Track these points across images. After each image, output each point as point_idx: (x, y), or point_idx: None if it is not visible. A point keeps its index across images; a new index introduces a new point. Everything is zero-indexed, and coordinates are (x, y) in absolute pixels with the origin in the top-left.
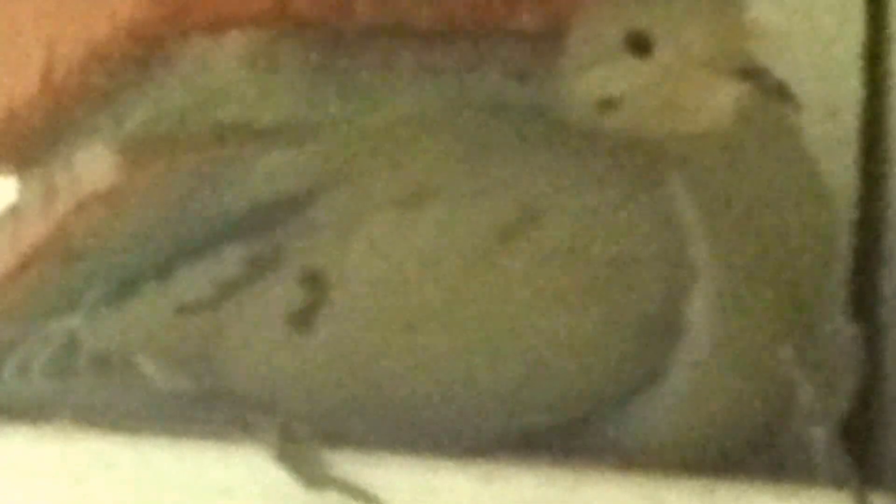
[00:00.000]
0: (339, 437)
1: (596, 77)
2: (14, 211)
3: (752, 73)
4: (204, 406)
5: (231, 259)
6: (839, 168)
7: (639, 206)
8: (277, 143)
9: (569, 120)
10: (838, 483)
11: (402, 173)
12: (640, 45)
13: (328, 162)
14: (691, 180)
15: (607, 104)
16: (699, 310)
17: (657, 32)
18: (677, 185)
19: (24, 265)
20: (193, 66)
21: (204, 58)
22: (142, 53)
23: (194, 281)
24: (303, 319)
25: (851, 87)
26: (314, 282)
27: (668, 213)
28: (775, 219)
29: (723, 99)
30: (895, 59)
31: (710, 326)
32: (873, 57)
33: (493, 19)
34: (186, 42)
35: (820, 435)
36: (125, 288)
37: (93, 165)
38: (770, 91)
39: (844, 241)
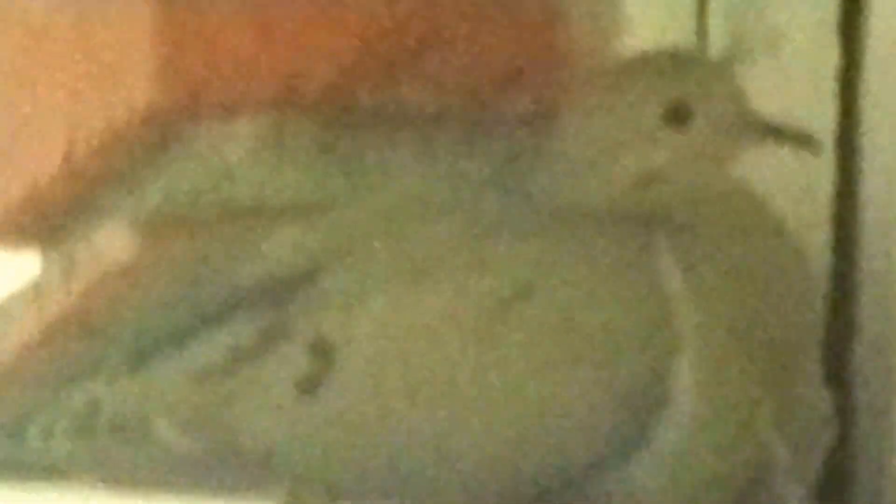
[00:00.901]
0: (344, 496)
1: (636, 151)
2: (37, 286)
3: (774, 129)
4: (217, 466)
5: (243, 329)
6: (814, 243)
7: (627, 281)
8: (286, 221)
9: (574, 197)
10: None
11: (403, 250)
12: (679, 116)
13: (334, 239)
14: (680, 250)
15: (649, 179)
16: (683, 379)
17: (694, 102)
18: (666, 256)
19: (46, 336)
20: (206, 148)
21: (216, 141)
22: (157, 137)
23: (208, 349)
24: (310, 385)
25: (825, 166)
26: (321, 350)
27: (655, 286)
28: (756, 291)
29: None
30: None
31: (693, 395)
32: (845, 146)
33: (489, 103)
34: (199, 126)
35: (795, 494)
36: (143, 356)
37: (112, 242)
38: (792, 140)
39: (819, 312)
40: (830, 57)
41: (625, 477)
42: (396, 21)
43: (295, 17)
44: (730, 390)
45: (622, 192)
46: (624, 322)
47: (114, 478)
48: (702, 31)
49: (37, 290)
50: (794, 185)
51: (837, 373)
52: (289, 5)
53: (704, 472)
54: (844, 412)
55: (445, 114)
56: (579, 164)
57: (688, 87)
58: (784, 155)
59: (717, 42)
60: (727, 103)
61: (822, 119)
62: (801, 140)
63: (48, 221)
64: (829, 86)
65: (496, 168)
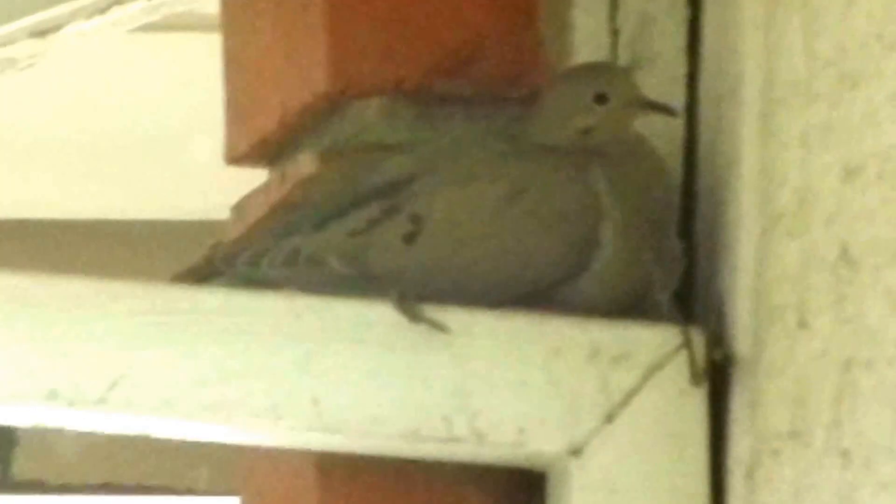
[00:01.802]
0: (431, 298)
1: (578, 117)
2: (264, 186)
3: (651, 104)
4: (361, 284)
5: (375, 208)
6: (672, 155)
7: (577, 180)
8: (396, 152)
9: (547, 140)
10: (674, 322)
11: (456, 167)
12: (601, 99)
13: (421, 161)
14: (604, 167)
15: (585, 131)
16: (606, 233)
17: (610, 91)
18: (597, 171)
19: (271, 211)
20: (353, 115)
21: (360, 110)
22: (329, 107)
23: (356, 218)
24: (410, 239)
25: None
26: (416, 219)
27: (591, 183)
28: (643, 188)
29: (634, 121)
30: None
31: (612, 241)
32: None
33: (509, 89)
34: (350, 104)
35: (664, 298)
36: (323, 222)
37: (305, 163)
38: (661, 110)
39: (675, 196)
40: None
41: (574, 289)
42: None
43: (408, 26)
44: (631, 242)
45: (571, 139)
46: (574, 204)
47: (306, 290)
48: (613, 52)
49: (265, 189)
50: (660, 134)
51: (686, 229)
52: (413, 19)
53: (619, 283)
54: (690, 251)
55: (484, 96)
56: (550, 121)
57: (607, 82)
58: (657, 118)
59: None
60: (628, 91)
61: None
62: (667, 110)
63: (273, 151)
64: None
65: (505, 124)
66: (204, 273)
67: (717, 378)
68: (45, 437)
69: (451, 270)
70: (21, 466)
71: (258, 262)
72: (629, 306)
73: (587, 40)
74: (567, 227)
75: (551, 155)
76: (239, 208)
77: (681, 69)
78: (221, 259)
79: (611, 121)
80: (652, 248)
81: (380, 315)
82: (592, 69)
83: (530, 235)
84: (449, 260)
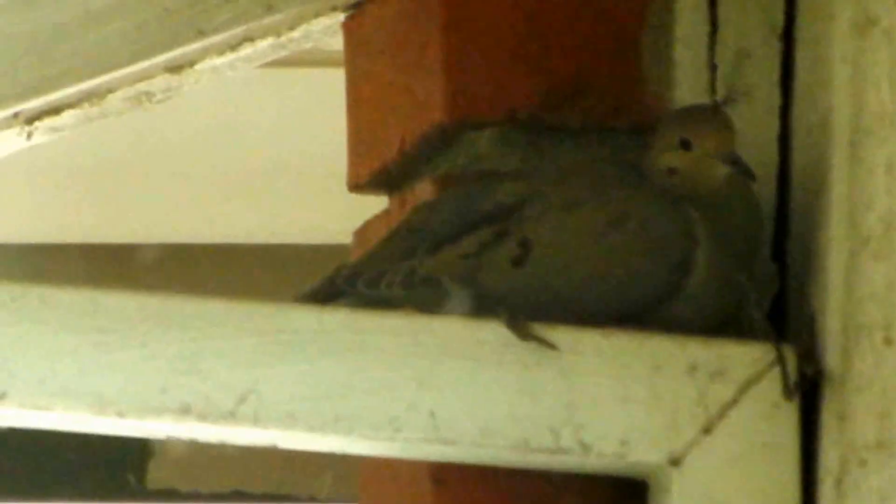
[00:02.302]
0: (538, 318)
1: (665, 157)
2: (384, 212)
3: (735, 162)
4: (472, 303)
5: (486, 232)
6: (766, 181)
7: (674, 209)
8: (508, 178)
9: (646, 172)
10: (767, 339)
11: (563, 193)
12: (685, 145)
13: (530, 188)
14: (696, 200)
15: (671, 171)
16: (699, 259)
17: (694, 139)
18: (691, 203)
19: (386, 237)
20: (467, 144)
21: (474, 140)
22: (445, 137)
23: (469, 242)
24: (519, 261)
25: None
26: (525, 243)
27: (685, 212)
28: (734, 218)
29: (719, 173)
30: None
31: (703, 267)
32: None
33: (615, 120)
34: (465, 134)
35: (759, 317)
36: (437, 246)
37: (420, 191)
38: (742, 171)
39: (768, 225)
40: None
41: (669, 309)
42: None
43: (520, 60)
44: (721, 266)
45: (662, 176)
46: (671, 231)
47: (422, 309)
48: (711, 86)
49: (386, 214)
50: (755, 162)
51: (779, 251)
52: (525, 54)
53: (711, 305)
54: (782, 272)
55: (591, 127)
56: (649, 156)
57: (694, 130)
58: (753, 145)
59: (720, 92)
60: (715, 144)
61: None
62: (749, 174)
63: (392, 178)
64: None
65: (612, 153)
66: (326, 294)
67: (808, 392)
68: (177, 449)
69: (556, 291)
70: (155, 476)
71: (377, 283)
72: (721, 325)
73: (687, 74)
74: (664, 251)
75: (650, 184)
76: (361, 233)
77: (775, 101)
78: (343, 280)
79: (693, 167)
80: (744, 270)
81: (492, 333)
82: (687, 115)
83: (631, 259)
84: (555, 281)
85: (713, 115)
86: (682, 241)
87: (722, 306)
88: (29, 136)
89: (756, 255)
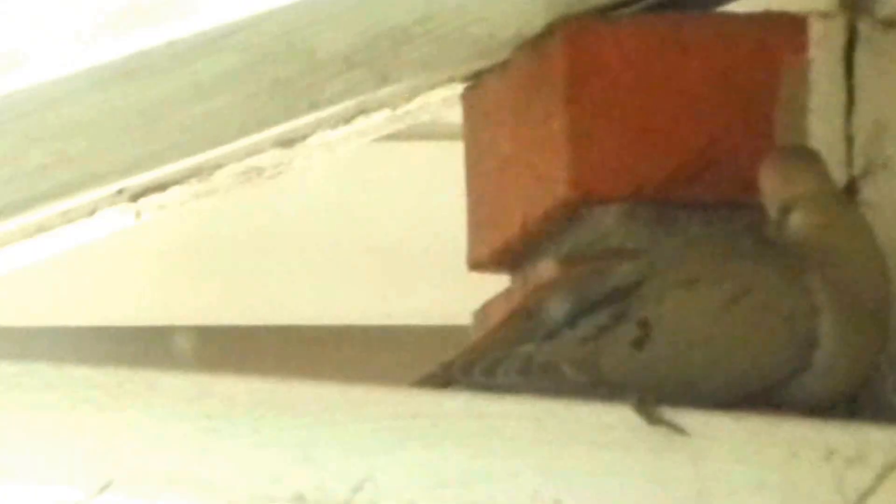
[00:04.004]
0: (661, 401)
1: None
2: (506, 292)
3: (784, 210)
4: (593, 390)
5: (604, 315)
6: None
7: (793, 279)
8: (628, 257)
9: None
10: None
11: (681, 271)
12: (786, 211)
13: (648, 267)
14: (819, 264)
15: (780, 225)
16: (825, 329)
17: (793, 205)
18: (812, 268)
19: (502, 322)
20: (592, 221)
21: (597, 217)
22: (569, 214)
23: (587, 326)
24: (639, 344)
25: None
26: (644, 324)
27: (806, 281)
28: (861, 278)
29: (772, 221)
30: None
31: (831, 339)
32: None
33: (747, 195)
34: (589, 210)
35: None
36: (554, 330)
37: (545, 269)
38: (778, 226)
39: None
40: None
41: (799, 386)
42: (700, 139)
43: (647, 133)
44: (850, 334)
45: (775, 230)
46: (792, 303)
47: (535, 393)
48: (848, 158)
49: (506, 294)
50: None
51: None
52: (652, 127)
53: (842, 378)
54: None
55: (720, 202)
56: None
57: (791, 194)
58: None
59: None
60: (768, 188)
61: None
62: (779, 228)
63: (514, 257)
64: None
65: (741, 228)
66: (440, 382)
67: None
68: None
69: (679, 373)
70: None
71: (494, 371)
72: (855, 405)
73: (822, 146)
74: (788, 326)
75: (770, 253)
76: (482, 313)
77: None
78: (459, 369)
79: (806, 220)
80: (879, 342)
81: (619, 418)
82: (782, 174)
83: (755, 336)
84: (677, 363)
85: (785, 157)
86: (805, 312)
87: (854, 377)
88: (137, 214)
89: (888, 319)
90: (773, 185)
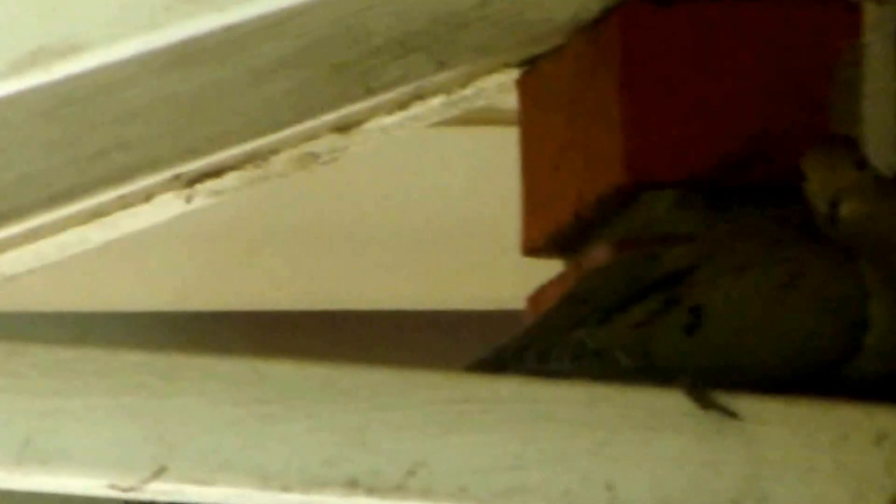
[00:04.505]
0: (715, 385)
1: (822, 220)
2: (559, 277)
3: (833, 204)
4: (644, 375)
5: (656, 300)
6: None
7: (844, 263)
8: (680, 242)
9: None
10: None
11: (733, 256)
12: (836, 204)
13: (700, 252)
14: (868, 255)
15: (815, 213)
16: (876, 311)
17: (840, 200)
18: (863, 258)
19: (554, 307)
20: (646, 206)
21: (651, 202)
22: (623, 199)
23: (639, 312)
24: (691, 329)
25: None
26: (696, 310)
27: (857, 270)
28: None
29: (820, 214)
30: None
31: (882, 320)
32: None
33: (800, 180)
34: (643, 195)
35: None
36: (606, 316)
37: (598, 253)
38: (834, 220)
39: None
40: None
41: (851, 368)
42: (751, 126)
43: (701, 118)
44: None
45: (823, 225)
46: (844, 287)
47: (587, 379)
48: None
49: (561, 279)
50: None
51: None
52: (706, 112)
53: (893, 361)
54: None
55: (772, 184)
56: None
57: (807, 164)
58: None
59: None
60: (817, 181)
61: None
62: (836, 221)
63: (568, 241)
64: None
65: (791, 213)
66: (492, 367)
67: None
68: None
69: (732, 358)
70: None
71: (546, 357)
72: None
73: (876, 131)
74: (839, 310)
75: (820, 238)
76: (535, 299)
77: None
78: (511, 354)
79: (813, 205)
80: None
81: (672, 403)
82: (813, 147)
83: (806, 320)
84: (729, 348)
85: (826, 150)
86: (856, 296)
87: None
88: (189, 199)
89: None
90: (818, 180)
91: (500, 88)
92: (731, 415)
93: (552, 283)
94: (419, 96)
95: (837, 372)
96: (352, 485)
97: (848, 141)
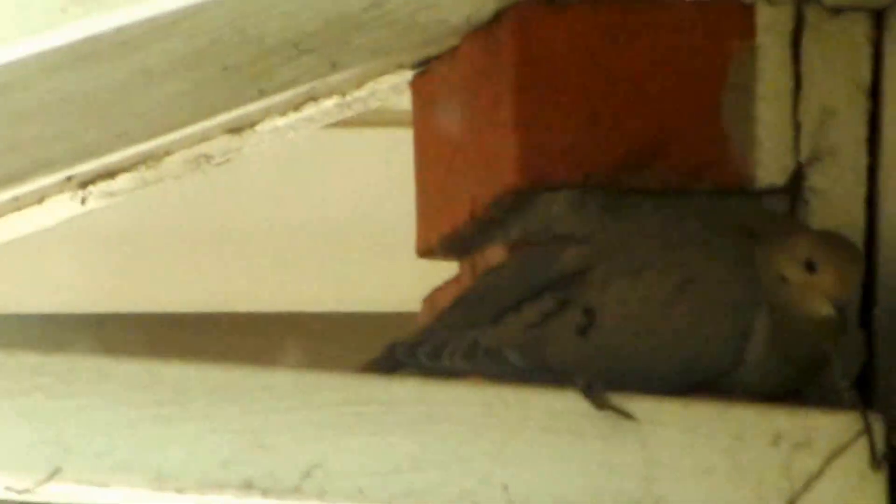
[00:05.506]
0: (611, 388)
1: (784, 265)
2: (454, 278)
3: (841, 309)
4: (537, 375)
5: (549, 301)
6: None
7: (741, 276)
8: (573, 243)
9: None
10: (854, 409)
11: (627, 258)
12: (810, 267)
13: (594, 253)
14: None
15: (782, 279)
16: (761, 323)
17: (820, 268)
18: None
19: (448, 306)
20: (541, 207)
21: (546, 203)
22: (518, 200)
23: (532, 312)
24: (584, 331)
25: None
26: (589, 311)
27: (754, 278)
28: None
29: (820, 312)
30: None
31: (765, 334)
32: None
33: (700, 182)
34: (538, 196)
35: (845, 385)
36: (499, 315)
37: (493, 255)
38: (840, 323)
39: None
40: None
41: (737, 377)
42: (648, 127)
43: (596, 120)
44: (787, 337)
45: (766, 273)
46: (736, 294)
47: (480, 378)
48: (795, 144)
49: (455, 281)
50: (841, 226)
51: (866, 319)
52: (601, 114)
53: (777, 373)
54: (869, 340)
55: (668, 186)
56: (763, 248)
57: (822, 259)
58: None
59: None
60: (832, 283)
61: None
62: (843, 326)
63: (463, 243)
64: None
65: (671, 214)
66: (386, 366)
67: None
68: None
69: (624, 361)
70: None
71: (439, 354)
72: (802, 393)
73: (770, 133)
74: (731, 317)
75: (718, 242)
76: (430, 300)
77: (862, 160)
78: (403, 351)
79: (803, 290)
80: (831, 341)
81: (568, 404)
82: (828, 242)
83: (700, 324)
84: (622, 351)
85: (850, 258)
86: (744, 303)
87: (788, 375)
88: (83, 201)
89: (846, 319)
90: (795, 253)
91: (394, 90)
92: (627, 416)
93: (448, 285)
94: (313, 98)
95: (727, 380)
96: (247, 486)
97: None
